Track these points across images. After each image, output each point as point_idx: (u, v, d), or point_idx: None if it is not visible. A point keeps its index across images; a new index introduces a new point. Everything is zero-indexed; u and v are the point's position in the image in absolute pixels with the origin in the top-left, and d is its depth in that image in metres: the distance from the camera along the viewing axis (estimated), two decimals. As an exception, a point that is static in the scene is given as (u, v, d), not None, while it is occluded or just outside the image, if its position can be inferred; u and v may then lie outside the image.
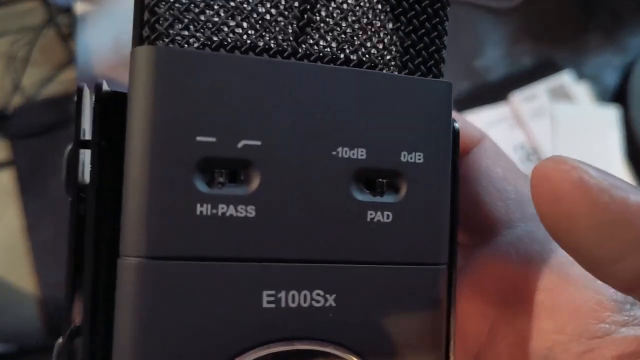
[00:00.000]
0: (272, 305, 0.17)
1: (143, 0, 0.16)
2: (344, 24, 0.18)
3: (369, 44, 0.18)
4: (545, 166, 0.17)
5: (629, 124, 0.67)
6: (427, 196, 0.18)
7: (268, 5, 0.17)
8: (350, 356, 0.17)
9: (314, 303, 0.17)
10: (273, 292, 0.17)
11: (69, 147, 0.18)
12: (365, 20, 0.18)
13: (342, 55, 0.18)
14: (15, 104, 0.69)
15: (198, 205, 0.16)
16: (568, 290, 0.20)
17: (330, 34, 0.18)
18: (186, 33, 0.16)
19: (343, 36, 0.18)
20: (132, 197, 0.16)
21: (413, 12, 0.18)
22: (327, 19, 0.18)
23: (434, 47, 0.19)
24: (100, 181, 0.17)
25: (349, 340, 0.17)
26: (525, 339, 0.20)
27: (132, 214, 0.16)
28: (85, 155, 0.18)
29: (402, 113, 0.18)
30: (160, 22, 0.16)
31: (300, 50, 0.18)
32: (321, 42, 0.18)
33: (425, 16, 0.18)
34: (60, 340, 0.18)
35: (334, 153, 0.17)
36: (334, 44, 0.18)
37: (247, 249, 0.16)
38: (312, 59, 0.18)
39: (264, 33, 0.17)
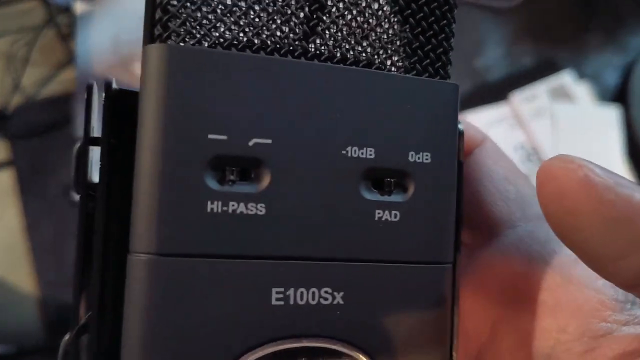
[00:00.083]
0: (281, 303, 0.17)
1: None
2: (353, 25, 0.18)
3: (378, 45, 0.19)
4: (551, 165, 0.17)
5: (629, 123, 0.67)
6: (434, 196, 0.19)
7: (279, 5, 0.17)
8: (358, 353, 0.17)
9: (322, 301, 0.17)
10: (282, 289, 0.17)
11: (78, 144, 0.18)
12: (374, 22, 0.18)
13: (351, 56, 0.18)
14: (15, 104, 0.69)
15: (209, 203, 0.16)
16: (570, 289, 0.20)
17: (340, 34, 0.18)
18: (198, 32, 0.17)
19: (352, 37, 0.18)
20: (143, 194, 0.16)
21: (421, 14, 0.19)
22: (337, 20, 0.18)
23: (441, 49, 0.19)
24: (110, 178, 0.17)
25: (356, 337, 0.18)
26: (527, 338, 0.20)
27: (143, 211, 0.16)
28: (94, 153, 0.18)
29: (409, 113, 0.18)
30: (173, 20, 0.16)
31: (310, 50, 0.18)
32: (330, 43, 0.18)
33: (433, 18, 0.19)
34: (66, 337, 0.18)
35: (343, 152, 0.18)
36: (343, 45, 0.18)
37: (256, 247, 0.17)
38: (322, 59, 0.18)
39: (274, 32, 0.17)
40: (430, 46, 0.19)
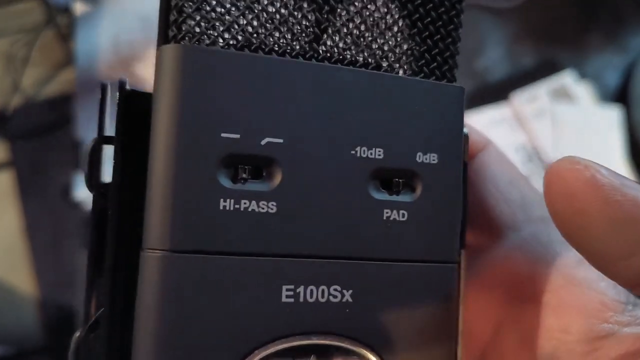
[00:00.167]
0: (291, 300, 0.17)
1: (170, 0, 0.17)
2: (362, 28, 0.19)
3: (386, 48, 0.19)
4: (559, 166, 0.17)
5: (630, 124, 0.67)
6: (441, 196, 0.19)
7: (291, 8, 0.18)
8: (366, 351, 0.18)
9: (331, 298, 0.18)
10: (292, 287, 0.17)
11: (91, 143, 0.18)
12: (383, 26, 0.19)
13: (360, 58, 0.19)
14: (15, 104, 0.69)
15: (221, 200, 0.17)
16: (573, 290, 0.20)
17: (350, 37, 0.19)
18: (212, 33, 0.17)
19: (362, 40, 0.19)
20: (157, 191, 0.16)
21: (429, 19, 0.19)
22: (347, 23, 0.19)
23: (448, 53, 0.19)
24: (123, 176, 0.18)
25: (365, 335, 0.18)
26: (530, 338, 0.20)
27: (157, 208, 0.16)
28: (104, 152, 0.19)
29: (417, 115, 0.19)
30: (187, 21, 0.17)
31: (320, 52, 0.18)
32: (341, 45, 0.18)
33: (440, 23, 0.19)
34: (77, 333, 0.18)
35: (352, 152, 0.18)
36: (353, 47, 0.19)
37: (267, 244, 0.17)
38: (332, 61, 0.18)
39: (286, 34, 0.18)
40: (437, 50, 0.19)
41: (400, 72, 0.19)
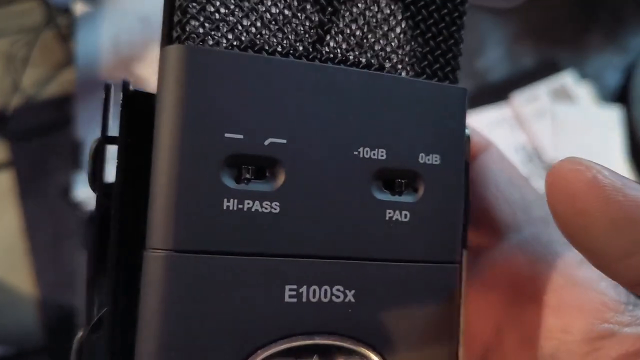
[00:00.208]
0: (294, 300, 0.17)
1: (174, 1, 0.17)
2: (365, 29, 0.19)
3: (389, 49, 0.19)
4: (561, 166, 0.17)
5: (630, 124, 0.67)
6: (443, 197, 0.19)
7: (294, 9, 0.18)
8: (368, 351, 0.18)
9: (334, 298, 0.18)
10: (295, 287, 0.17)
11: (94, 143, 0.18)
12: (386, 27, 0.19)
13: (363, 59, 0.19)
14: (15, 105, 0.69)
15: (225, 200, 0.17)
16: (573, 291, 0.20)
17: (353, 38, 0.19)
18: (216, 34, 0.17)
19: (365, 41, 0.19)
20: (161, 191, 0.16)
21: (432, 21, 0.19)
22: (350, 24, 0.19)
23: (450, 54, 0.20)
24: (126, 176, 0.18)
25: (367, 335, 0.18)
26: (531, 339, 0.21)
27: (161, 207, 0.16)
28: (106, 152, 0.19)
29: (419, 116, 0.19)
30: (192, 22, 0.17)
31: (324, 53, 0.18)
32: (344, 46, 0.19)
33: (443, 24, 0.19)
34: (80, 333, 0.18)
35: (355, 153, 0.18)
36: (356, 49, 0.19)
37: (270, 244, 0.17)
38: (335, 61, 0.18)
39: (289, 35, 0.18)
40: (440, 51, 0.19)
41: (403, 73, 0.19)
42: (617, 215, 0.16)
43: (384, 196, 0.18)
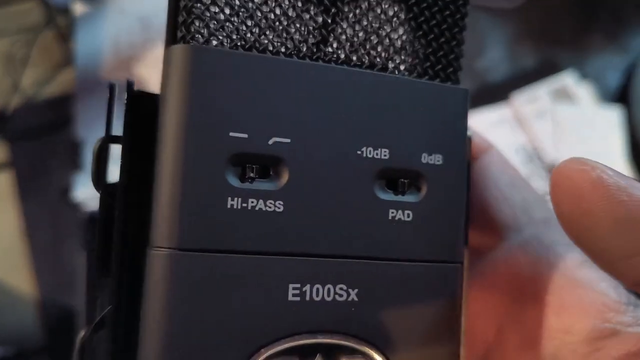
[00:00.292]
0: (297, 299, 0.17)
1: (179, 1, 0.17)
2: (369, 30, 0.19)
3: (392, 50, 0.19)
4: (566, 167, 0.17)
5: (631, 124, 0.67)
6: (445, 196, 0.19)
7: (299, 10, 0.18)
8: (371, 350, 0.18)
9: (337, 297, 0.18)
10: (298, 285, 0.17)
11: (98, 142, 0.19)
12: (389, 28, 0.19)
13: (366, 60, 0.19)
14: (15, 105, 0.69)
15: (229, 199, 0.17)
16: (575, 291, 0.20)
17: (356, 39, 0.19)
18: (220, 34, 0.17)
19: (368, 42, 0.19)
20: (165, 189, 0.16)
21: (434, 22, 0.20)
22: (354, 25, 0.19)
23: (453, 55, 0.20)
24: (130, 175, 0.18)
25: (370, 334, 0.18)
26: (533, 339, 0.21)
27: (165, 206, 0.16)
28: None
29: (422, 116, 0.19)
30: (196, 22, 0.17)
31: (327, 53, 0.19)
32: (347, 47, 0.19)
33: (445, 26, 0.20)
34: (82, 333, 0.18)
35: (359, 152, 0.18)
36: (359, 49, 0.19)
37: (274, 243, 0.17)
38: (339, 62, 0.19)
39: (293, 36, 0.18)
40: (442, 52, 0.20)
41: (406, 74, 0.19)
42: (622, 215, 0.16)
43: (386, 196, 0.19)
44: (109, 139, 0.18)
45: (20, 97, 0.69)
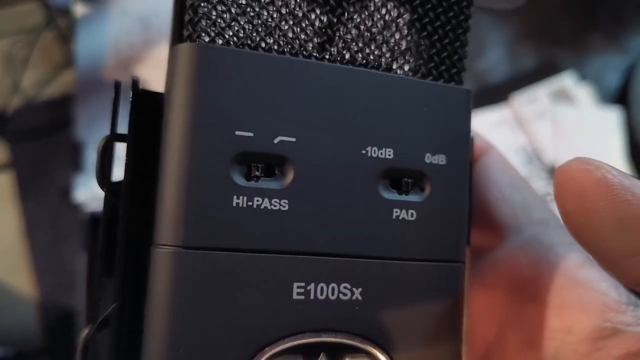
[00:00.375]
0: (302, 297, 0.17)
1: (185, 0, 0.17)
2: (374, 31, 0.19)
3: (397, 51, 0.19)
4: (570, 166, 0.17)
5: (630, 125, 0.67)
6: (449, 196, 0.19)
7: (305, 9, 0.18)
8: (374, 349, 0.18)
9: (341, 296, 0.18)
10: (303, 284, 0.17)
11: (103, 140, 0.19)
12: (393, 29, 0.19)
13: (371, 60, 0.19)
14: (15, 106, 0.69)
15: (235, 197, 0.17)
16: (575, 291, 0.20)
17: (361, 39, 0.19)
18: (226, 32, 0.17)
19: (373, 42, 0.19)
20: (170, 187, 0.17)
21: (438, 23, 0.20)
22: (359, 26, 0.19)
23: (456, 56, 0.20)
24: (135, 174, 0.18)
25: (373, 333, 0.18)
26: (533, 339, 0.21)
27: (170, 204, 0.16)
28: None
29: (426, 116, 0.19)
30: (202, 21, 0.17)
31: (333, 53, 0.19)
32: (352, 47, 0.19)
33: (449, 27, 0.20)
34: (86, 331, 0.18)
35: (363, 152, 0.18)
36: (364, 49, 0.19)
37: (279, 242, 0.17)
38: (343, 62, 0.19)
39: (299, 36, 0.18)
40: (446, 53, 0.20)
41: (410, 74, 0.20)
42: (626, 215, 0.16)
43: (390, 195, 0.19)
44: (114, 137, 0.19)
45: (20, 98, 0.69)
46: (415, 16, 0.20)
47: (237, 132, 0.17)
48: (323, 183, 0.18)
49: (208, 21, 0.17)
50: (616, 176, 0.17)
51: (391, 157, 0.19)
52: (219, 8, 0.17)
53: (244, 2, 0.18)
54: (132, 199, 0.18)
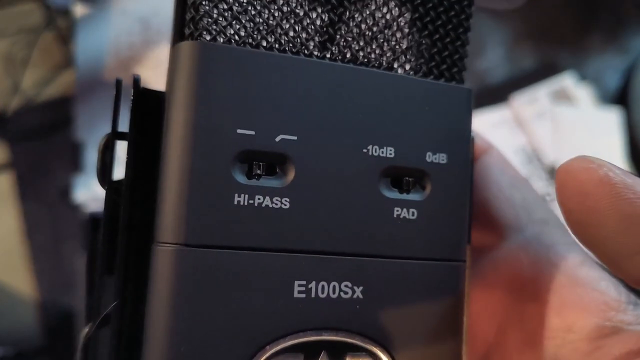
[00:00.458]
0: (303, 296, 0.17)
1: None
2: (375, 30, 0.19)
3: (398, 50, 0.19)
4: (572, 164, 0.17)
5: (630, 126, 0.67)
6: (450, 195, 0.19)
7: (306, 8, 0.18)
8: (375, 348, 0.18)
9: (342, 295, 0.18)
10: (304, 282, 0.17)
11: (104, 138, 0.19)
12: (395, 28, 0.19)
13: (373, 59, 0.19)
14: (15, 106, 0.69)
15: (236, 196, 0.17)
16: (575, 290, 0.20)
17: (362, 38, 0.19)
18: (228, 31, 0.17)
19: (374, 41, 0.19)
20: (171, 185, 0.17)
21: (440, 22, 0.20)
22: (360, 24, 0.19)
23: (457, 55, 0.20)
24: (135, 172, 0.18)
25: (374, 331, 0.18)
26: (534, 338, 0.21)
27: (171, 202, 0.16)
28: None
29: (427, 115, 0.19)
30: (204, 19, 0.17)
31: (334, 52, 0.19)
32: (353, 45, 0.19)
33: (450, 26, 0.20)
34: (86, 329, 0.18)
35: (364, 151, 0.18)
36: (365, 48, 0.19)
37: (280, 240, 0.17)
38: (345, 60, 0.19)
39: (301, 34, 0.18)
40: (447, 52, 0.20)
41: (411, 73, 0.20)
42: (628, 213, 0.16)
43: (392, 194, 0.19)
44: (115, 135, 0.19)
45: (20, 98, 0.69)
46: (417, 15, 0.20)
47: (239, 131, 0.17)
48: (324, 181, 0.18)
49: (209, 19, 0.17)
50: (618, 174, 0.17)
51: (392, 155, 0.19)
52: (221, 6, 0.17)
53: (245, 0, 0.18)
54: (133, 197, 0.18)
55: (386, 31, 0.19)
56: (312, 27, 0.18)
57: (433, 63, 0.20)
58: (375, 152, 0.18)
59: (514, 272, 0.22)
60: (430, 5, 0.20)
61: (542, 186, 0.64)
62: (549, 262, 0.21)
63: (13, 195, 0.66)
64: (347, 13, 0.19)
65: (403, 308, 0.18)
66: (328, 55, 0.19)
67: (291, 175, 0.17)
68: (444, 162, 0.19)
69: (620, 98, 0.70)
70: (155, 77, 0.65)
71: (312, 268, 0.18)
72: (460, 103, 0.20)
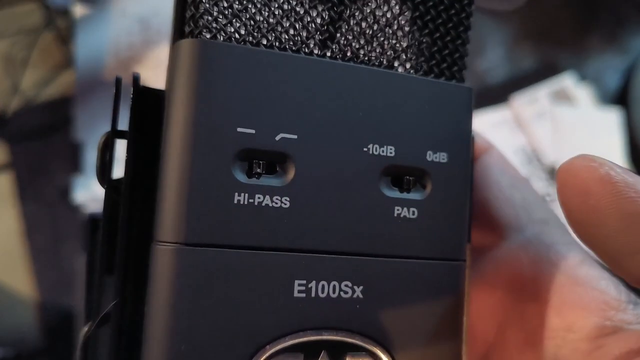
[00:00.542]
0: (303, 295, 0.17)
1: None
2: (375, 28, 0.19)
3: (398, 48, 0.19)
4: (573, 163, 0.17)
5: (630, 126, 0.67)
6: (450, 194, 0.19)
7: (307, 6, 0.18)
8: (375, 347, 0.18)
9: (342, 294, 0.18)
10: (304, 282, 0.17)
11: (104, 137, 0.19)
12: (395, 26, 0.19)
13: (373, 57, 0.19)
14: (14, 106, 0.69)
15: (236, 194, 0.17)
16: (575, 290, 0.20)
17: (363, 36, 0.19)
18: (228, 29, 0.17)
19: (375, 39, 0.19)
20: (171, 184, 0.16)
21: (440, 20, 0.20)
22: (361, 23, 0.19)
23: (458, 54, 0.20)
24: (135, 170, 0.18)
25: (374, 331, 0.18)
26: (534, 338, 0.21)
27: (171, 201, 0.16)
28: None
29: (427, 114, 0.19)
30: (204, 17, 0.17)
31: (335, 50, 0.19)
32: (354, 44, 0.19)
33: (451, 25, 0.20)
34: (86, 328, 0.18)
35: (365, 149, 0.18)
36: (366, 46, 0.19)
37: (280, 239, 0.17)
38: (345, 59, 0.19)
39: (301, 32, 0.18)
40: (447, 51, 0.20)
41: (412, 71, 0.20)
42: (629, 212, 0.16)
43: (392, 193, 0.19)
44: (115, 133, 0.18)
45: (20, 99, 0.69)
46: (417, 13, 0.20)
47: (239, 129, 0.17)
48: (324, 180, 0.18)
49: (209, 17, 0.17)
50: (619, 173, 0.17)
51: (392, 154, 0.19)
52: (221, 4, 0.17)
53: None
54: (133, 196, 0.18)
55: (387, 29, 0.19)
56: (313, 25, 0.18)
57: (433, 62, 0.20)
58: (376, 151, 0.18)
59: (514, 271, 0.22)
60: (431, 3, 0.20)
61: (542, 186, 0.64)
62: (549, 261, 0.21)
63: (13, 196, 0.66)
64: (348, 11, 0.19)
65: (403, 307, 0.18)
66: (328, 54, 0.18)
67: (291, 174, 0.17)
68: (445, 161, 0.19)
69: (620, 98, 0.70)
70: (155, 77, 0.65)
71: (312, 267, 0.17)
72: (460, 102, 0.20)
